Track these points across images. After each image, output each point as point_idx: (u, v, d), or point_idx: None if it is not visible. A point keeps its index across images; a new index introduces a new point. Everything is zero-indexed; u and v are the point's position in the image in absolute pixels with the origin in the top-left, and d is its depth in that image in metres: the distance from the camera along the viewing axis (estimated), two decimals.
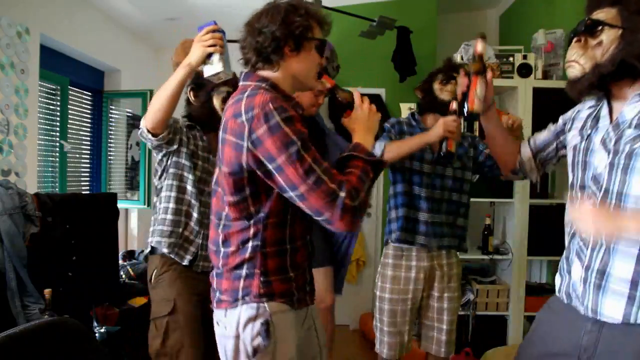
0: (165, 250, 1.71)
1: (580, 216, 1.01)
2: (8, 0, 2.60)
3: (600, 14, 1.07)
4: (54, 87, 3.20)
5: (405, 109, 3.16)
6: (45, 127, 3.13)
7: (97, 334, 2.25)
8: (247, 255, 1.15)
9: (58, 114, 3.23)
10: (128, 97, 3.84)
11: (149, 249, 1.79)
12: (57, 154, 3.23)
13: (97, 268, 2.58)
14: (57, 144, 3.23)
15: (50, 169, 3.21)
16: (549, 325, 1.23)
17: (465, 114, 1.32)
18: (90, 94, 3.74)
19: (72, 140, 3.45)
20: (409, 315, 1.91)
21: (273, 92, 1.12)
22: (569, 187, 1.24)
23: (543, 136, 1.38)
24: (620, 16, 1.03)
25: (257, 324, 1.13)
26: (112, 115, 3.94)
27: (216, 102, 1.76)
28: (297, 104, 1.19)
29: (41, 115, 3.03)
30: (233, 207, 1.14)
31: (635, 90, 1.06)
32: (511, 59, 2.93)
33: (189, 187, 1.74)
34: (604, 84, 1.07)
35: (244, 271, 1.16)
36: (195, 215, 1.74)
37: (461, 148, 1.93)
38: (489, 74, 1.27)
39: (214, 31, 1.43)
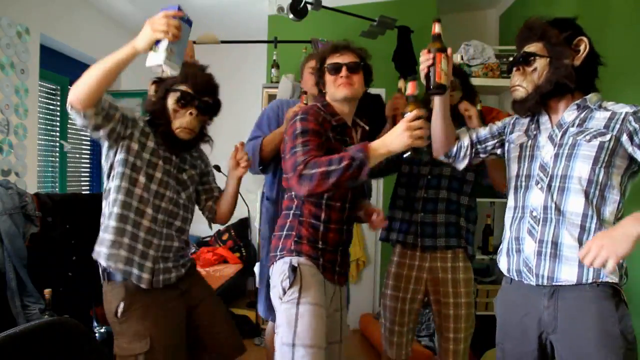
0: (103, 264, 1.48)
1: (595, 253, 1.12)
2: (8, 0, 2.60)
3: (531, 47, 1.38)
4: (54, 87, 3.21)
5: None
6: (45, 127, 3.13)
7: (97, 334, 2.25)
8: (288, 220, 1.56)
9: (58, 114, 3.23)
10: (128, 97, 3.85)
11: (100, 265, 1.52)
12: (57, 154, 3.24)
13: (97, 268, 2.58)
14: (57, 144, 3.23)
15: (50, 169, 3.21)
16: (506, 307, 1.47)
17: (432, 87, 1.43)
18: None
19: (72, 140, 3.45)
20: (407, 315, 1.88)
21: (317, 107, 1.57)
22: (508, 179, 1.50)
23: (484, 132, 1.59)
24: (546, 48, 1.36)
25: (286, 268, 1.47)
26: None
27: (170, 100, 1.55)
28: (333, 114, 1.57)
29: (41, 115, 3.04)
30: (284, 181, 1.56)
31: (565, 103, 1.36)
32: (511, 59, 2.92)
33: (142, 191, 1.50)
34: (544, 100, 1.37)
35: (284, 232, 1.55)
36: (144, 223, 1.50)
37: None
38: (449, 50, 1.43)
39: (175, 17, 1.27)
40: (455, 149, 1.58)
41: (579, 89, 1.34)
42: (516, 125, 1.51)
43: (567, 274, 1.27)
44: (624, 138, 1.25)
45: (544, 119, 1.42)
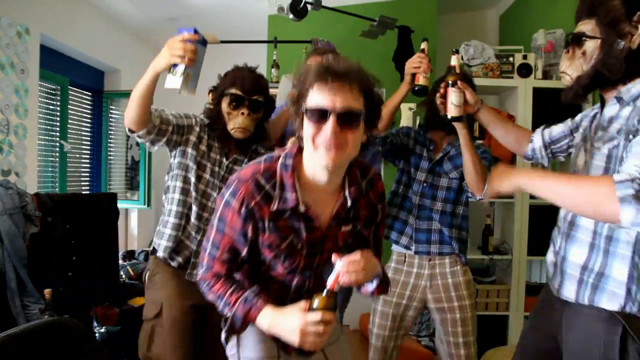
0: (160, 254, 1.67)
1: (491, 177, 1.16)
2: (8, 0, 2.60)
3: (582, 26, 1.16)
4: (54, 87, 3.20)
5: (406, 109, 3.15)
6: (45, 127, 3.13)
7: (97, 334, 2.25)
8: None
9: (58, 114, 3.23)
10: (128, 97, 3.84)
11: (151, 248, 1.76)
12: (57, 154, 3.23)
13: (97, 268, 2.58)
14: (57, 144, 3.23)
15: (50, 169, 3.21)
16: (540, 305, 1.39)
17: (449, 118, 1.51)
18: (90, 94, 3.74)
19: (72, 140, 3.45)
20: (398, 321, 1.84)
21: (256, 179, 1.12)
22: None
23: (559, 129, 1.44)
24: (598, 27, 1.12)
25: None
26: (112, 115, 3.94)
27: (224, 104, 1.65)
28: (282, 192, 1.12)
29: (41, 115, 3.03)
30: None
31: (614, 94, 1.15)
32: (511, 59, 2.93)
33: (192, 190, 1.65)
34: (589, 91, 1.18)
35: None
36: (192, 219, 1.65)
37: (459, 159, 1.75)
38: (460, 83, 1.44)
39: (190, 41, 1.33)
40: (529, 152, 1.50)
41: (634, 76, 1.10)
42: (583, 121, 1.33)
43: (569, 291, 1.21)
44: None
45: (593, 112, 1.26)
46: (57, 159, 3.25)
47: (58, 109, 3.23)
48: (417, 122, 3.02)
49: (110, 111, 3.92)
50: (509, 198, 2.96)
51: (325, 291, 1.04)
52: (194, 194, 1.64)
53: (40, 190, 2.85)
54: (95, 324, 2.32)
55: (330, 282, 1.04)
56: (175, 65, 1.33)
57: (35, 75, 2.83)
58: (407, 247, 1.85)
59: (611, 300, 1.12)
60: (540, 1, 3.23)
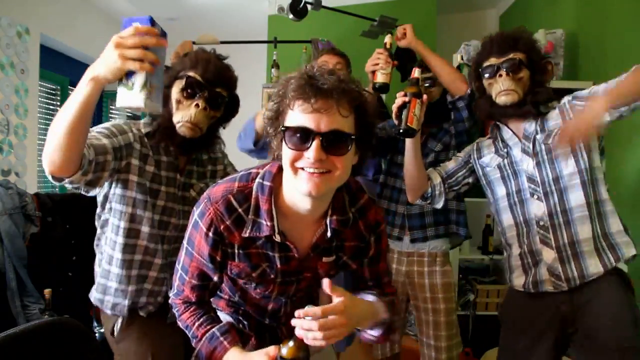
0: (109, 313, 1.31)
1: (567, 133, 1.20)
2: (8, 0, 2.60)
3: (515, 55, 1.37)
4: (54, 87, 3.21)
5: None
6: (45, 127, 3.13)
7: (97, 334, 2.25)
8: None
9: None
10: None
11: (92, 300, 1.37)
12: None
13: None
14: None
15: None
16: (521, 319, 1.46)
17: (402, 130, 1.41)
18: None
19: None
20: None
21: (228, 201, 0.99)
22: (495, 200, 1.50)
23: (452, 165, 1.60)
24: (528, 61, 1.37)
25: None
26: (112, 115, 3.94)
27: (174, 89, 1.29)
28: (256, 218, 0.98)
29: (41, 115, 3.03)
30: None
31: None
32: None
33: (145, 229, 1.28)
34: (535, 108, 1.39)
35: None
36: (157, 261, 1.32)
37: (442, 133, 1.79)
38: (424, 97, 1.42)
39: (149, 36, 0.91)
40: (429, 190, 1.59)
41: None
42: (482, 150, 1.55)
43: (594, 268, 1.31)
44: None
45: (508, 135, 1.46)
46: None
47: (58, 109, 3.23)
48: None
49: (110, 111, 3.92)
50: None
51: (294, 339, 0.88)
52: (153, 231, 1.29)
53: (40, 190, 2.85)
54: (95, 324, 2.31)
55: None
56: (129, 75, 0.93)
57: (35, 75, 2.83)
58: (399, 238, 1.81)
59: (627, 247, 1.32)
60: (540, 1, 3.23)
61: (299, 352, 0.88)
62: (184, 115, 1.26)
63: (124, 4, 3.43)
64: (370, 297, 1.05)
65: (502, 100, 1.39)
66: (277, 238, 0.95)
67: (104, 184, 1.23)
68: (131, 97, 0.93)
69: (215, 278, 1.03)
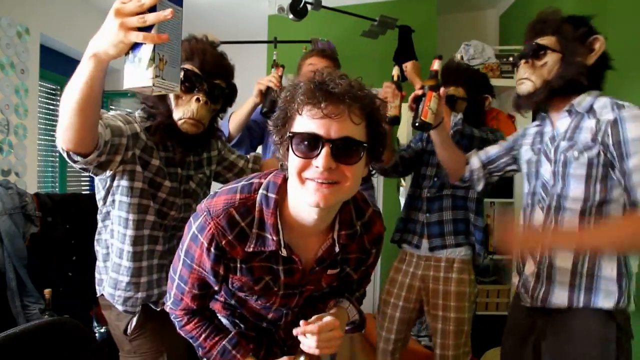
0: (120, 308, 1.28)
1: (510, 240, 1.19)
2: (8, 0, 2.60)
3: (544, 40, 1.27)
4: (54, 87, 3.21)
5: (406, 110, 3.16)
6: (45, 127, 3.13)
7: (97, 334, 2.25)
8: None
9: (58, 114, 3.23)
10: (128, 97, 3.85)
11: (100, 294, 1.35)
12: (57, 154, 3.23)
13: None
14: None
15: (50, 169, 3.21)
16: (512, 318, 1.45)
17: (417, 124, 1.39)
18: None
19: None
20: (397, 324, 1.80)
21: (230, 215, 0.94)
22: (523, 195, 1.41)
23: (495, 150, 1.53)
24: (559, 43, 1.25)
25: None
26: None
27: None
28: (261, 232, 0.95)
29: (41, 115, 3.04)
30: None
31: (565, 106, 1.26)
32: (511, 59, 2.93)
33: (150, 218, 1.26)
34: (552, 97, 1.26)
35: None
36: (159, 248, 1.30)
37: (464, 140, 1.74)
38: (442, 90, 1.38)
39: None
40: (467, 173, 1.55)
41: (589, 89, 1.25)
42: (525, 138, 1.44)
43: (559, 298, 1.22)
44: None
45: (548, 128, 1.34)
46: (57, 159, 3.24)
47: (58, 109, 3.23)
48: None
49: (110, 111, 3.92)
50: (509, 198, 2.96)
51: (304, 354, 0.94)
52: (157, 219, 1.27)
53: (40, 190, 2.85)
54: (95, 324, 2.32)
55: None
56: (136, 46, 0.78)
57: (35, 75, 2.84)
58: (417, 246, 1.81)
59: (607, 298, 1.17)
60: (540, 1, 3.22)
61: None
62: (186, 111, 1.22)
63: None
64: (345, 303, 1.11)
65: (518, 90, 1.31)
66: (284, 252, 0.92)
67: (113, 169, 1.18)
68: (138, 75, 0.77)
69: (217, 287, 1.01)
